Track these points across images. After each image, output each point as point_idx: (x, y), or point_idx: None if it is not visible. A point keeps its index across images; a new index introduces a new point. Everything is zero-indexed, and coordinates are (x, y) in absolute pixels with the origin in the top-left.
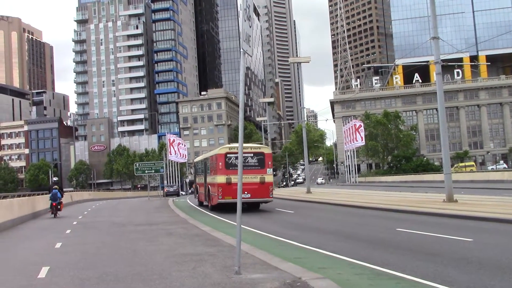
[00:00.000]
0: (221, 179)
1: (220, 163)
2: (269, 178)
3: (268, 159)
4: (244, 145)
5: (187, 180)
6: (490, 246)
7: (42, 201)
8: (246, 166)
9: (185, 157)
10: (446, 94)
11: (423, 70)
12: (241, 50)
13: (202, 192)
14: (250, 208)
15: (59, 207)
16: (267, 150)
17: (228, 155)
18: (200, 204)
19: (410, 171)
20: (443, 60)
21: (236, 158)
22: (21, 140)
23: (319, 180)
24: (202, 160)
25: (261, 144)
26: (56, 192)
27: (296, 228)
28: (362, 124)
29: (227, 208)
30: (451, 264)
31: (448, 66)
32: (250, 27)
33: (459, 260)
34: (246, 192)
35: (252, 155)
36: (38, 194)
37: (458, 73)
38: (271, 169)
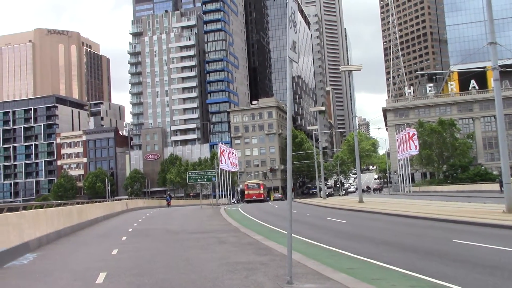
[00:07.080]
0: (246, 192)
1: (245, 187)
2: (262, 191)
3: (262, 185)
4: (253, 180)
5: (239, 189)
6: None
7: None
8: (253, 188)
9: (236, 166)
10: (505, 100)
11: (480, 76)
12: (287, 57)
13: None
14: (261, 201)
15: (169, 203)
16: (262, 182)
17: (248, 184)
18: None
19: (467, 181)
20: (501, 66)
21: (251, 185)
22: (80, 149)
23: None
24: (244, 184)
25: (261, 179)
26: (168, 197)
27: (348, 238)
28: (415, 133)
29: (249, 202)
30: None
31: (507, 72)
32: (296, 33)
33: None
34: (254, 196)
35: (256, 184)
36: (98, 201)
37: None
38: (263, 189)
